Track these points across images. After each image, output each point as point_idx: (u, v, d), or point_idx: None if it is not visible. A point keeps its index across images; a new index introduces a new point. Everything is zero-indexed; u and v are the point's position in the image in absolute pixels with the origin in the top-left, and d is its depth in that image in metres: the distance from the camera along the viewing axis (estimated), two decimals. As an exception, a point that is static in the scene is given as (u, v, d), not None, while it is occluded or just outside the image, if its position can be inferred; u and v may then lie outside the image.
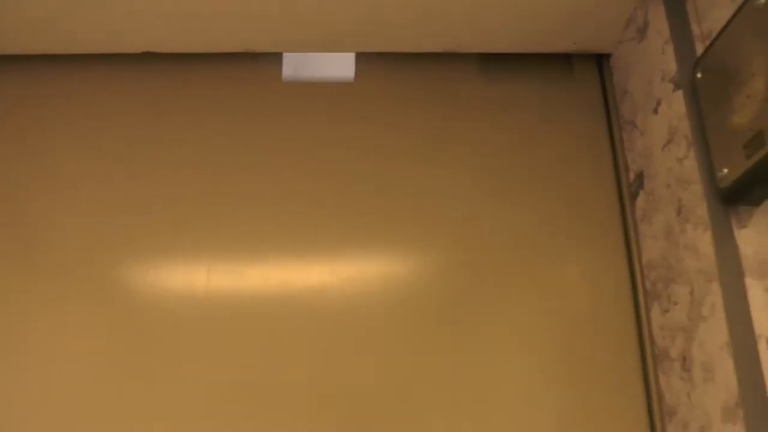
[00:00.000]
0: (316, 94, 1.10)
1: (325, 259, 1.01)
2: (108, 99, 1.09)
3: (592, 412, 0.93)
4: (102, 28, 1.03)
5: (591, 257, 1.01)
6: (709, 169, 0.79)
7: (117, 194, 1.03)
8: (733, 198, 0.77)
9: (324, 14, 1.00)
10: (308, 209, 1.03)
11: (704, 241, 0.79)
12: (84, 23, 1.01)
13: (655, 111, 0.92)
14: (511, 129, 1.09)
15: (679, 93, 0.85)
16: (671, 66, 0.87)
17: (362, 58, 1.12)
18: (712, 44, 0.79)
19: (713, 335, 0.77)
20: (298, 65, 1.03)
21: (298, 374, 0.94)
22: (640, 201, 0.99)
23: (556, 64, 1.13)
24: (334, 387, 0.94)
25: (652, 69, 0.93)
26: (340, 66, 1.02)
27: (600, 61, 1.13)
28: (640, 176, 0.98)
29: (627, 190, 1.03)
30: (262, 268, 1.00)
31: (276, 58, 1.11)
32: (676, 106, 0.86)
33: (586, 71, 1.13)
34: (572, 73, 1.13)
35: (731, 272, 0.76)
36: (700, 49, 0.85)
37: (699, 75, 0.82)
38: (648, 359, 0.95)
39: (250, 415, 0.92)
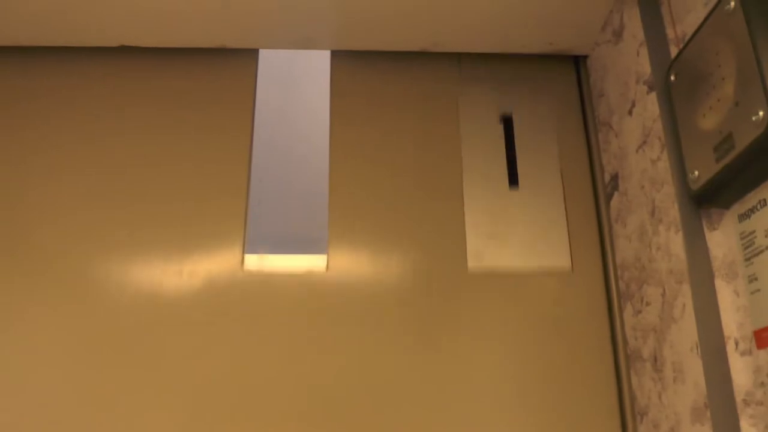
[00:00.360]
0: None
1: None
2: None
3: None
4: (78, 21, 1.02)
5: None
6: (681, 171, 0.80)
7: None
8: (705, 200, 0.77)
9: (300, 12, 1.00)
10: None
11: (676, 242, 0.79)
12: (61, 16, 1.00)
13: (630, 113, 0.93)
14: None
15: (653, 95, 0.85)
16: (645, 68, 0.88)
17: (338, 56, 1.11)
18: (684, 48, 0.80)
19: (683, 336, 0.78)
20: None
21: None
22: (615, 202, 0.99)
23: (534, 64, 1.14)
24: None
25: (627, 71, 0.94)
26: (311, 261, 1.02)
27: (577, 62, 1.14)
28: (615, 177, 0.99)
29: (602, 191, 1.03)
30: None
31: (251, 54, 1.10)
32: (650, 107, 0.86)
33: (563, 72, 1.13)
34: (550, 73, 1.13)
35: (702, 274, 0.76)
36: (674, 52, 0.86)
37: (672, 78, 0.82)
38: (621, 360, 0.95)
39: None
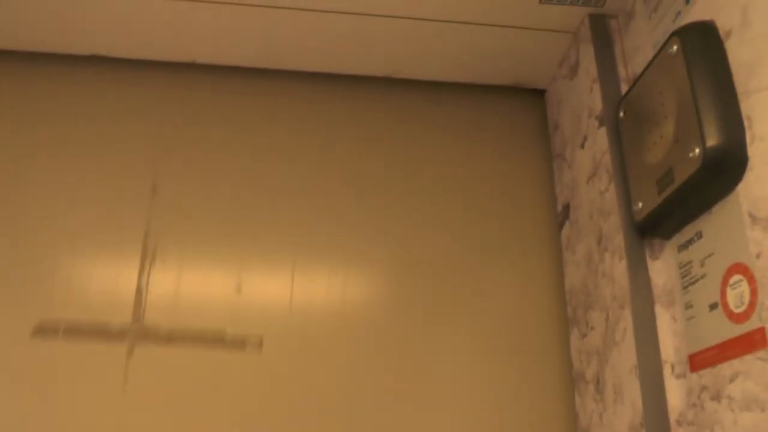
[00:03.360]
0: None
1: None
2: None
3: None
4: (51, 27, 1.04)
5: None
6: (627, 202, 0.84)
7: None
8: (648, 230, 0.82)
9: (268, 32, 1.03)
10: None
11: (619, 269, 0.83)
12: (35, 22, 1.03)
13: (582, 146, 0.97)
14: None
15: (603, 130, 0.90)
16: (597, 104, 0.93)
17: (304, 77, 1.14)
18: (633, 86, 0.85)
19: (623, 359, 0.82)
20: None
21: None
22: (566, 230, 1.03)
23: (500, 96, 1.18)
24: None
25: (581, 106, 0.99)
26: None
27: (542, 95, 1.19)
28: (566, 207, 1.03)
29: (555, 220, 1.08)
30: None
31: (221, 71, 1.13)
32: (600, 141, 0.91)
33: (528, 104, 1.18)
34: (514, 105, 1.18)
35: (642, 300, 0.81)
36: (625, 89, 0.91)
37: (621, 114, 0.87)
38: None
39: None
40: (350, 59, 1.10)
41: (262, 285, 1.02)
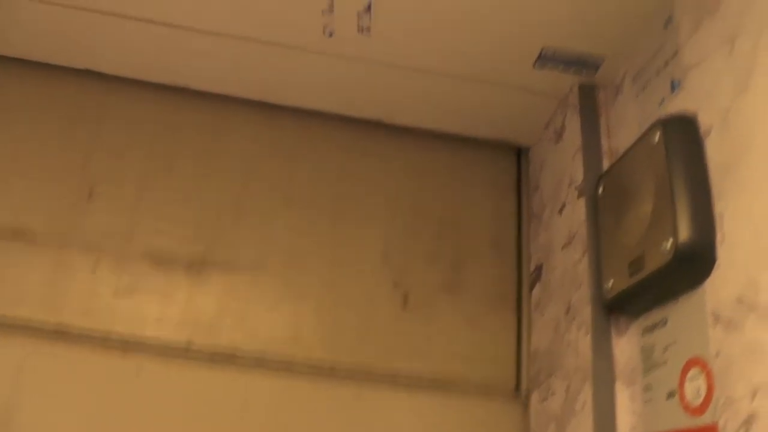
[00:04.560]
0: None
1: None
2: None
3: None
4: (50, 40, 1.05)
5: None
6: (598, 276, 0.86)
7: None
8: (616, 308, 0.84)
9: (260, 67, 1.05)
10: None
11: (584, 343, 0.85)
12: (34, 33, 1.04)
13: (560, 212, 0.99)
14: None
15: (582, 201, 0.92)
16: (578, 174, 0.94)
17: (293, 112, 1.16)
18: (613, 166, 0.87)
19: (581, 429, 0.83)
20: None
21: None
22: (536, 291, 1.05)
23: (482, 149, 1.20)
24: None
25: (562, 171, 1.01)
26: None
27: (519, 153, 1.21)
28: (539, 268, 1.05)
29: (527, 279, 1.10)
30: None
31: (212, 98, 1.14)
32: (578, 212, 0.93)
33: (509, 161, 1.20)
34: (496, 160, 1.20)
35: (604, 375, 0.82)
36: (606, 162, 0.93)
37: (600, 190, 0.89)
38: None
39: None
40: (337, 99, 1.12)
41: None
